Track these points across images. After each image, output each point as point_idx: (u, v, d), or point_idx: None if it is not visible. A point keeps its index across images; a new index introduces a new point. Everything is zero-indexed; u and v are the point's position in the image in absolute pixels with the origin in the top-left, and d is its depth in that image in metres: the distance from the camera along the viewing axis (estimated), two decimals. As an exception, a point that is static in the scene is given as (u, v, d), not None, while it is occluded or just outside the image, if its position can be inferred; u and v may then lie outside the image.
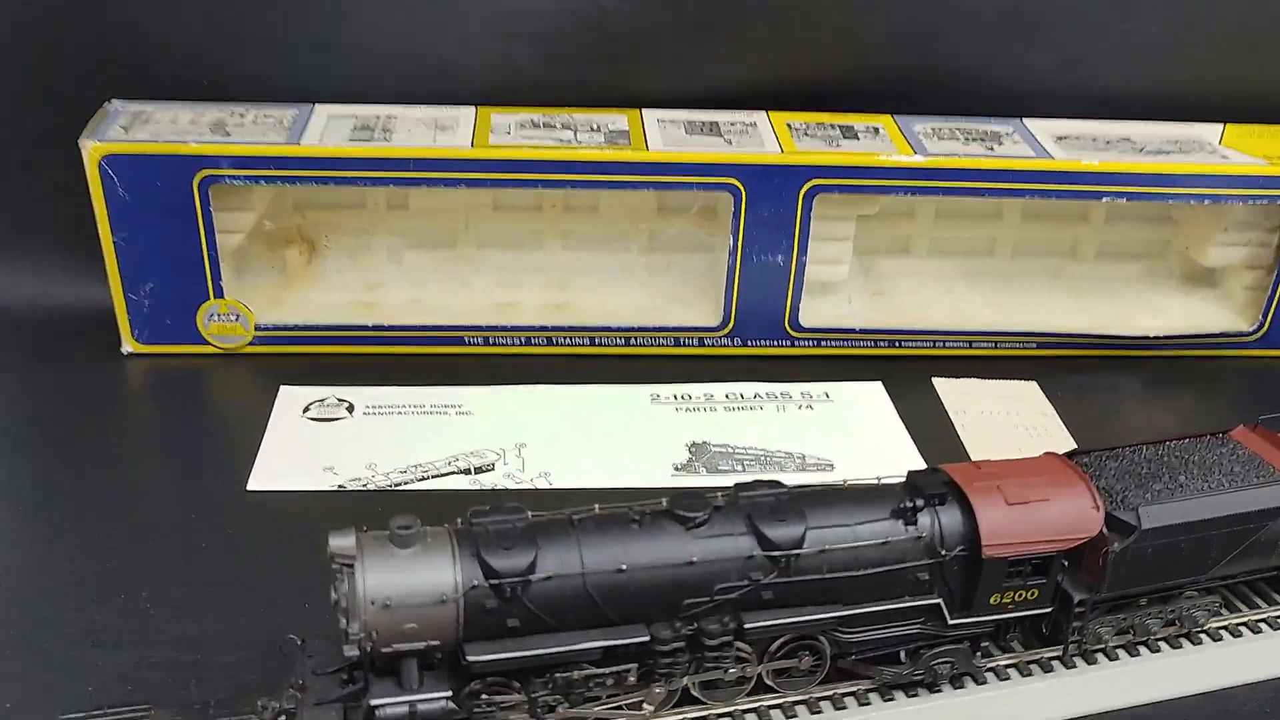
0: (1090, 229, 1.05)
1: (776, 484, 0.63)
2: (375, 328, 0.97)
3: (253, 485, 0.82)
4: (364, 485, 0.82)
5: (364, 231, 1.01)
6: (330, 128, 0.93)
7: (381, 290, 1.01)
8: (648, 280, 1.03)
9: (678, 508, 0.61)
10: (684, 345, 1.00)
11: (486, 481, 0.84)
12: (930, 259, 1.06)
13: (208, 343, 0.96)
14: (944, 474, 0.65)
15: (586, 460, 0.86)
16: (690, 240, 1.03)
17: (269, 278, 1.00)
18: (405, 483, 0.83)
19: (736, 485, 0.63)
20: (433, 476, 0.84)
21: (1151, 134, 1.01)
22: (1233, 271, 1.05)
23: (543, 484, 0.84)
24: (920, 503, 0.63)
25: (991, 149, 0.96)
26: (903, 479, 0.65)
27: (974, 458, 0.88)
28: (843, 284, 1.02)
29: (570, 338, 0.99)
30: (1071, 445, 0.92)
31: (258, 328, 0.96)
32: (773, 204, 0.94)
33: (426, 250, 1.02)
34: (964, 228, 1.05)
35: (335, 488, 0.82)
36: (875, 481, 0.66)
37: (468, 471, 0.84)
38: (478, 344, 0.98)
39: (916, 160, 0.94)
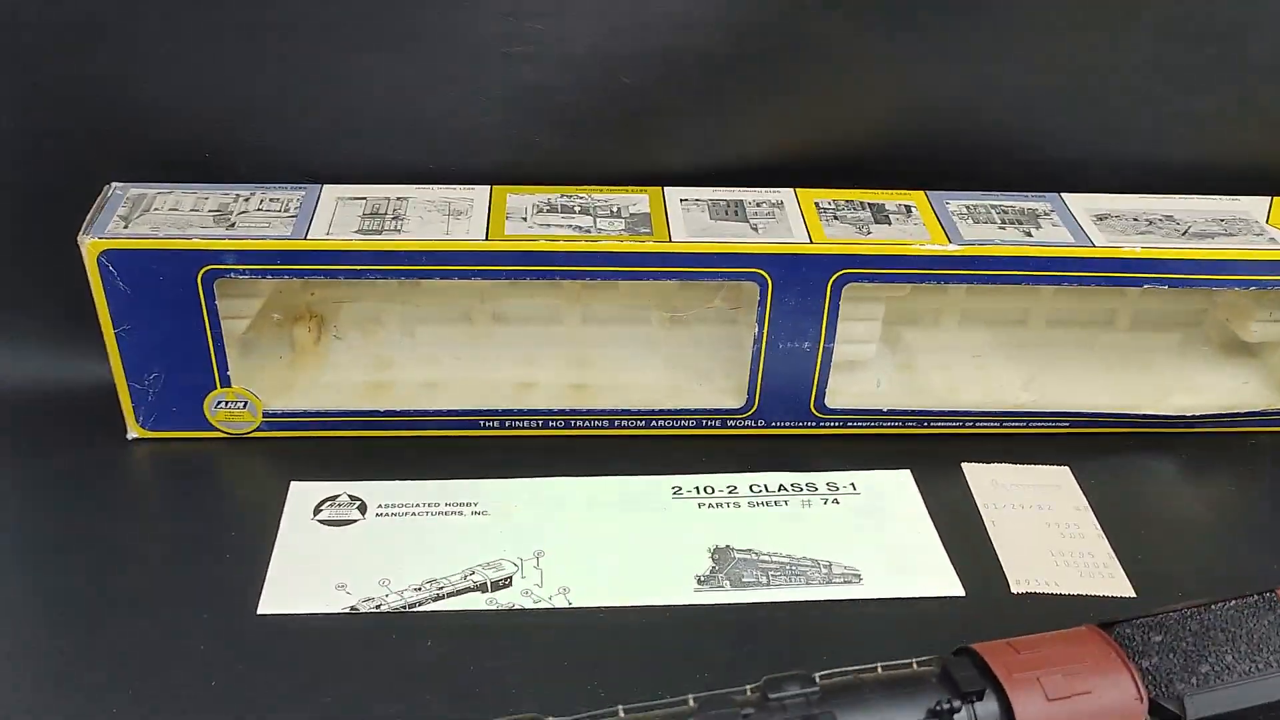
0: (1125, 300, 1.01)
1: (807, 679, 0.61)
2: (387, 413, 0.94)
3: (263, 609, 0.80)
4: (377, 606, 0.80)
5: (376, 307, 0.98)
6: (339, 214, 0.89)
7: (394, 369, 0.98)
8: (670, 356, 1.00)
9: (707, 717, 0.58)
10: (706, 427, 0.97)
11: (503, 600, 0.81)
12: (960, 329, 1.03)
13: (215, 429, 0.93)
14: (978, 657, 0.63)
15: (606, 572, 0.84)
16: (714, 314, 1.00)
17: (277, 356, 0.97)
18: (420, 603, 0.81)
19: (766, 682, 0.60)
20: (448, 594, 0.81)
21: (1196, 210, 0.97)
22: (1273, 346, 1.02)
23: (561, 602, 0.81)
24: (957, 703, 0.60)
25: (1029, 233, 0.92)
26: (936, 668, 0.63)
27: (1004, 563, 0.87)
28: (870, 361, 0.99)
29: (590, 420, 0.96)
30: (1105, 545, 0.89)
31: (266, 414, 0.93)
32: (800, 293, 0.90)
33: (441, 325, 0.99)
34: (996, 299, 1.01)
35: (348, 609, 0.80)
36: (910, 668, 0.63)
37: (484, 588, 0.82)
38: (494, 428, 0.96)
39: (951, 249, 0.90)
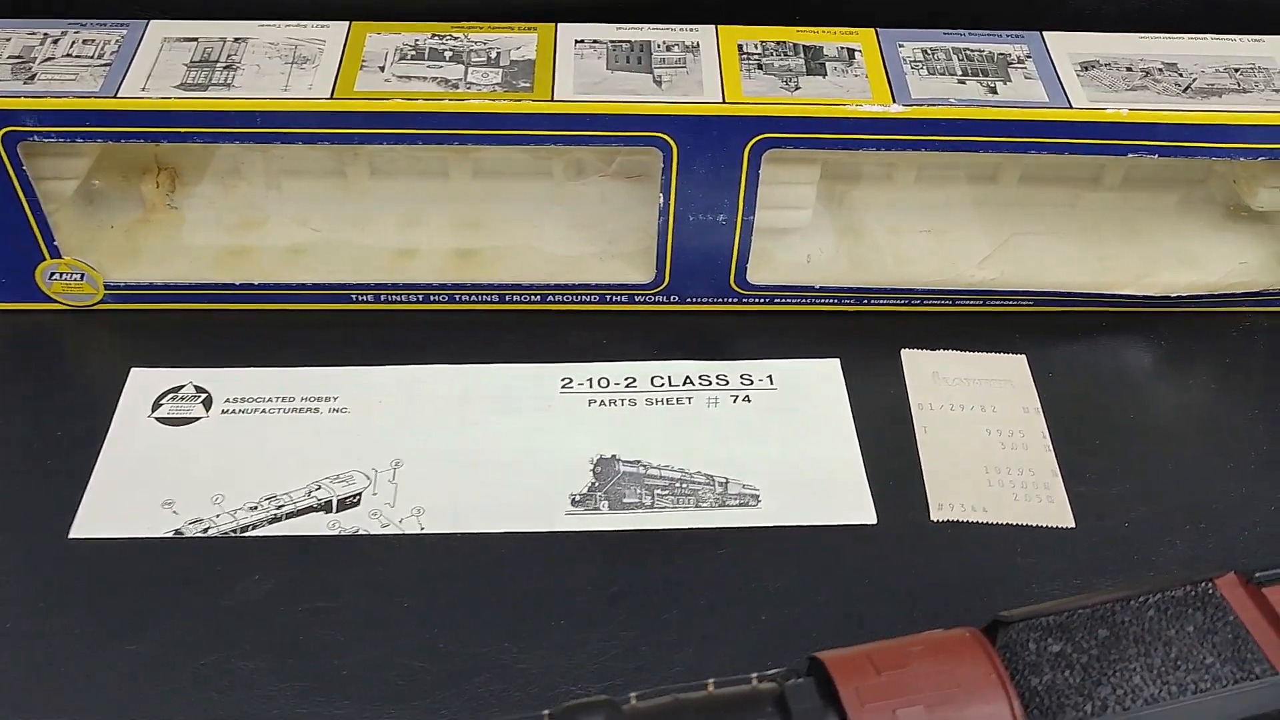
0: (1119, 154, 0.86)
1: (613, 710, 0.51)
2: (244, 287, 0.83)
3: (76, 532, 0.71)
4: (205, 529, 0.71)
5: (235, 156, 0.85)
6: (161, 61, 0.75)
7: (256, 232, 0.85)
8: (574, 217, 0.87)
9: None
10: (611, 303, 0.85)
11: (348, 523, 0.72)
12: (917, 187, 0.88)
13: (54, 300, 0.83)
14: (825, 673, 0.53)
15: (469, 489, 0.74)
16: (625, 166, 0.86)
17: (124, 216, 0.85)
18: (253, 525, 0.72)
19: (563, 712, 0.51)
20: (287, 515, 0.72)
21: (1205, 55, 0.80)
22: (1285, 216, 0.86)
23: (412, 526, 0.72)
24: (787, 735, 0.51)
25: (994, 89, 0.76)
26: (777, 687, 0.53)
27: (928, 481, 0.76)
28: (805, 229, 0.85)
29: (477, 295, 0.84)
30: (1050, 460, 0.78)
31: (108, 285, 0.82)
32: (711, 161, 0.76)
33: (310, 180, 0.86)
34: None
35: (172, 533, 0.71)
36: (749, 686, 0.53)
37: (328, 507, 0.73)
38: (368, 302, 0.84)
39: (893, 111, 0.75)
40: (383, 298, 0.84)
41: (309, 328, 0.83)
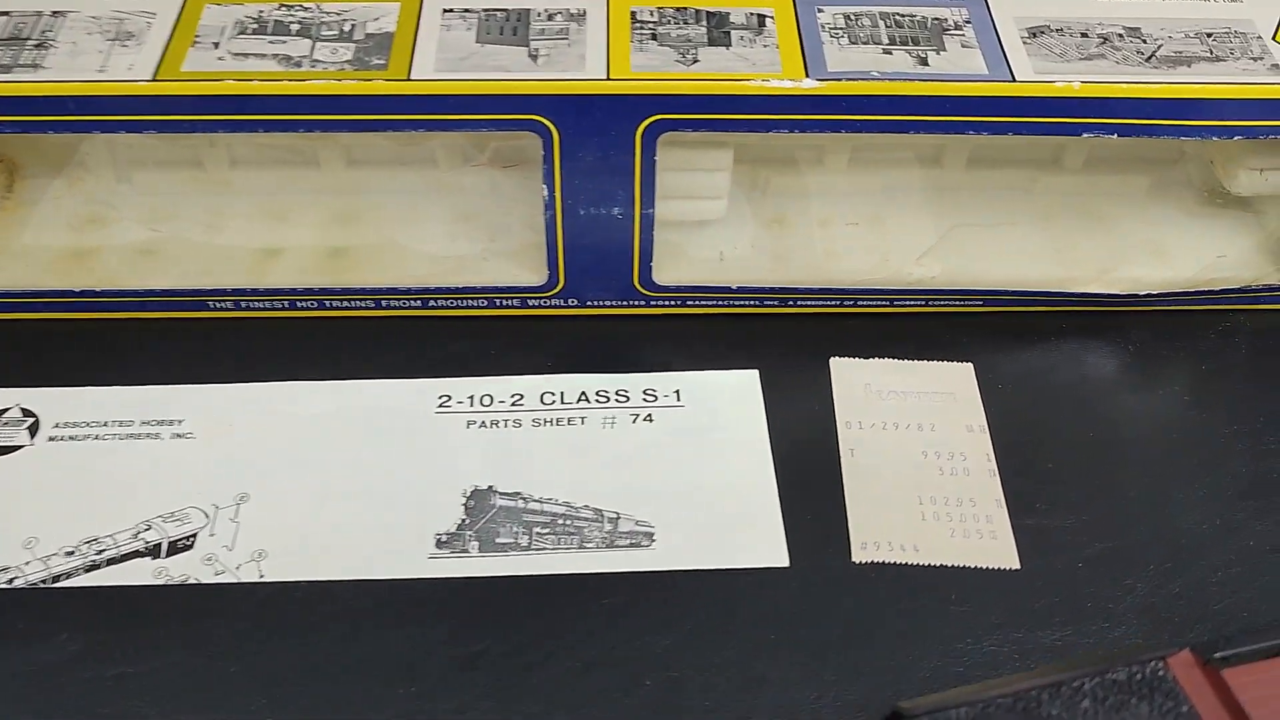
0: (1081, 132, 0.75)
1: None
2: (85, 294, 0.73)
3: None
4: (11, 580, 0.62)
5: (77, 146, 0.75)
6: (-37, 39, 0.65)
7: (103, 230, 0.76)
8: (461, 210, 0.77)
9: None
10: (502, 307, 0.75)
11: (177, 570, 0.63)
12: (851, 172, 0.78)
13: (-128, 310, 0.74)
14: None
15: (321, 528, 0.65)
16: (517, 152, 0.76)
17: (-47, 214, 0.76)
18: (69, 573, 0.63)
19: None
20: (108, 561, 0.63)
21: (1171, 18, 0.69)
22: (1271, 202, 0.76)
23: (251, 575, 0.63)
24: None
25: (924, 59, 0.66)
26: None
27: (850, 514, 0.66)
28: (722, 220, 0.75)
29: (349, 300, 0.74)
30: (996, 488, 0.68)
31: (-68, 293, 0.73)
32: (599, 147, 0.66)
33: (165, 170, 0.76)
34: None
35: (-27, 585, 0.62)
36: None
37: (156, 551, 0.64)
38: (227, 309, 0.75)
39: (805, 87, 0.64)
40: (243, 304, 0.74)
41: (157, 339, 0.74)
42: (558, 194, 0.68)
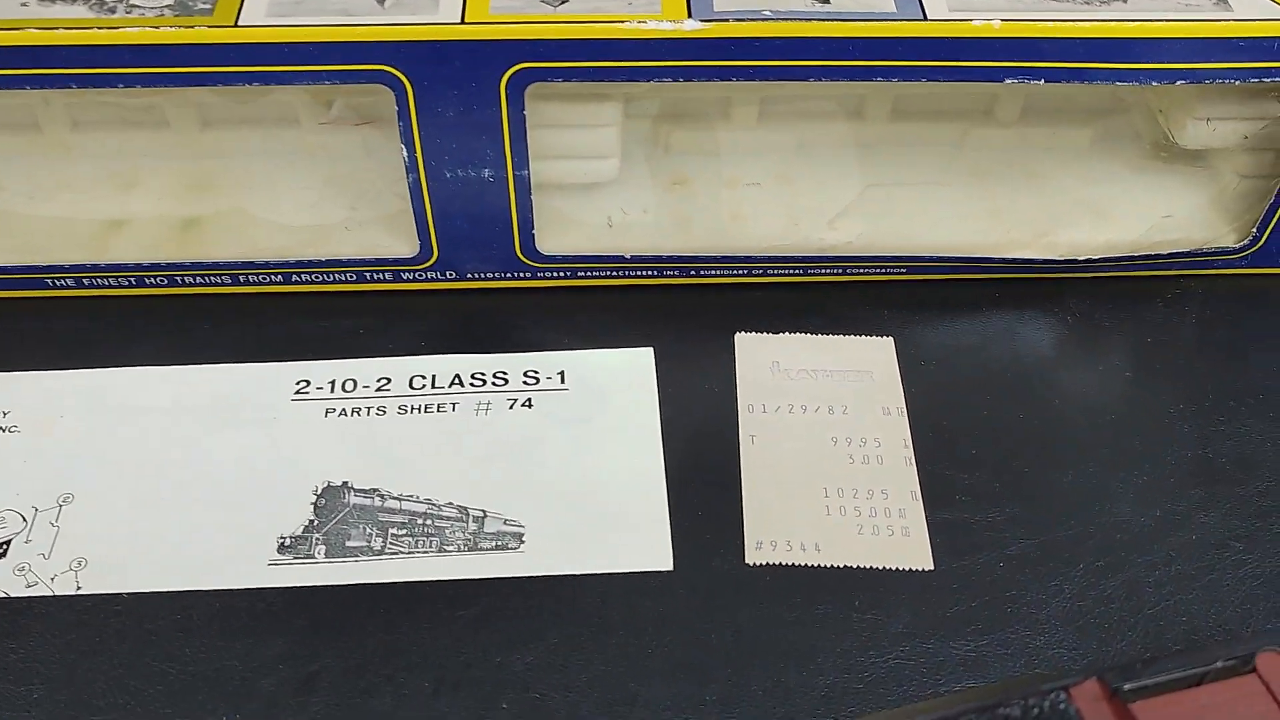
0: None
1: None
2: (-96, 271, 0.66)
3: None
4: None
5: (-102, 106, 0.68)
6: None
7: (-72, 200, 0.69)
8: (327, 172, 0.70)
9: None
10: (372, 281, 0.68)
11: (-16, 583, 0.56)
12: (761, 127, 0.70)
13: None
14: None
15: (152, 533, 0.58)
16: (373, 108, 0.69)
17: None
18: None
19: None
20: (-92, 573, 0.56)
21: (1111, -52, 0.61)
22: (1223, 155, 0.68)
23: (67, 586, 0.56)
24: None
25: (824, -3, 0.58)
26: None
27: (747, 510, 0.59)
28: (616, 181, 0.68)
29: (202, 276, 0.67)
30: (912, 477, 0.61)
31: None
32: (459, 100, 0.59)
33: (-3, 134, 0.69)
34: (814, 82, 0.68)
35: None
36: None
37: (-37, 561, 0.57)
38: (67, 287, 0.67)
39: (686, 29, 0.57)
40: (85, 282, 0.67)
41: (-9, 320, 0.67)
42: (419, 155, 0.61)
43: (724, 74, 0.58)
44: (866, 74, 0.58)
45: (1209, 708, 0.40)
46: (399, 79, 0.58)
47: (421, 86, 0.58)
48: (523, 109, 0.59)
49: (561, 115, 0.62)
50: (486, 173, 0.62)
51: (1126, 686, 0.40)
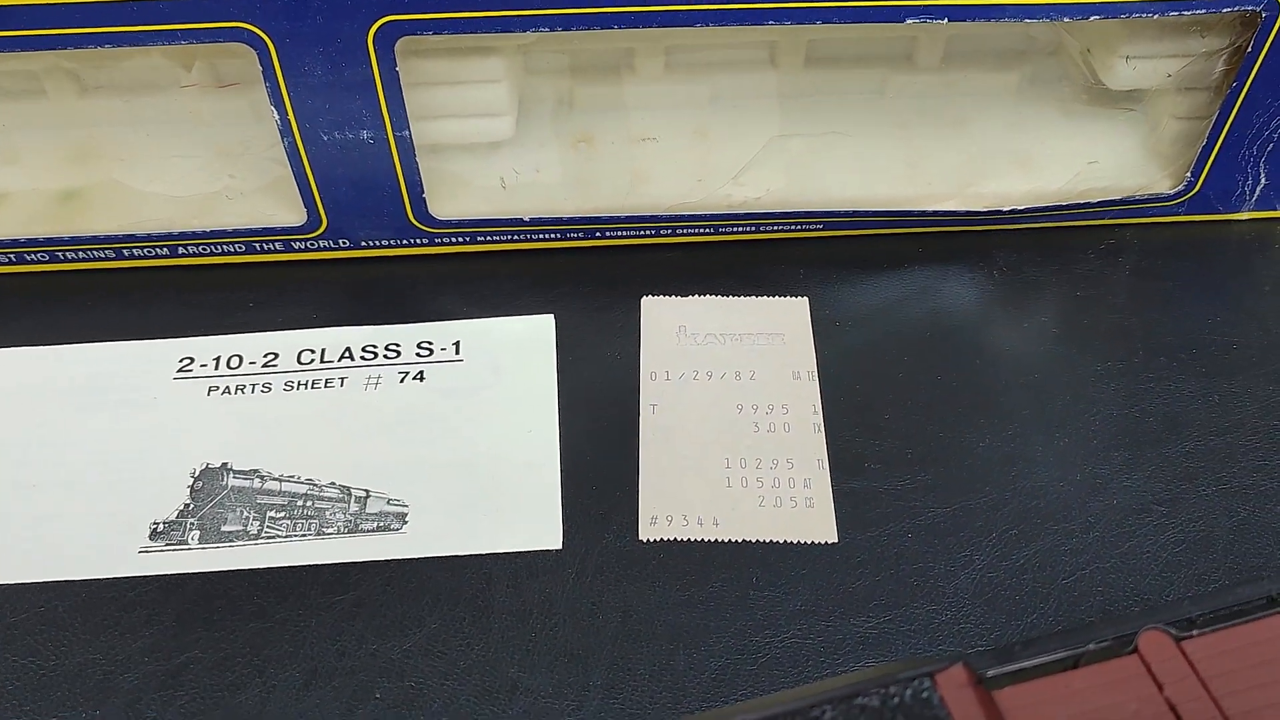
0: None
1: None
2: None
3: None
4: None
5: None
6: None
7: None
8: (213, 139, 0.66)
9: None
10: (262, 252, 0.65)
11: None
12: (668, 79, 0.66)
13: None
14: None
15: (14, 522, 0.55)
16: (240, 70, 0.65)
17: None
18: None
19: None
20: None
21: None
22: (1156, 98, 0.64)
23: (-73, 580, 0.54)
24: None
25: (709, -63, 0.54)
26: None
27: (642, 483, 0.56)
28: (514, 141, 0.65)
29: (82, 251, 0.64)
30: (815, 445, 0.58)
31: None
32: (327, 58, 0.55)
33: None
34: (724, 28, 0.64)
35: None
36: None
37: None
38: (-58, 265, 0.65)
39: (560, -25, 0.53)
40: (-39, 259, 0.64)
41: None
42: (291, 117, 0.58)
43: (605, 20, 0.54)
44: (758, 16, 0.55)
45: (1082, 692, 0.37)
46: (259, 36, 0.54)
47: (284, 44, 0.55)
48: (394, 65, 0.56)
49: (443, 72, 0.59)
50: (365, 134, 0.59)
51: (991, 673, 0.37)
